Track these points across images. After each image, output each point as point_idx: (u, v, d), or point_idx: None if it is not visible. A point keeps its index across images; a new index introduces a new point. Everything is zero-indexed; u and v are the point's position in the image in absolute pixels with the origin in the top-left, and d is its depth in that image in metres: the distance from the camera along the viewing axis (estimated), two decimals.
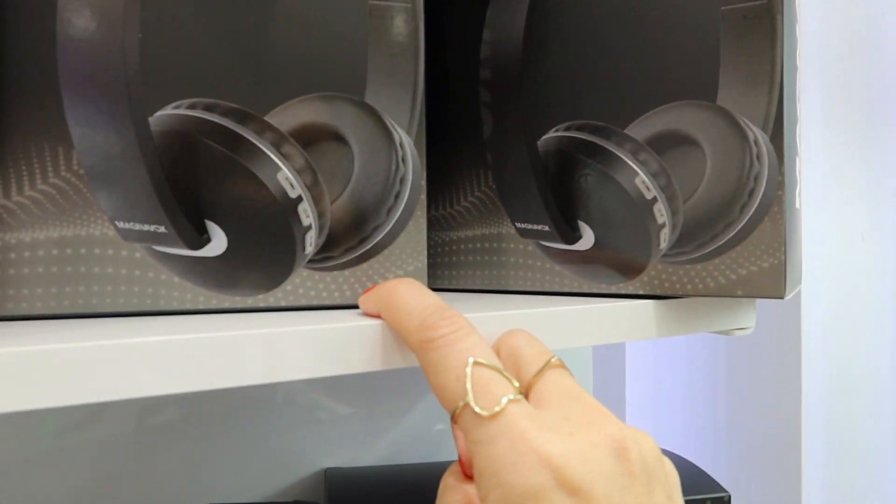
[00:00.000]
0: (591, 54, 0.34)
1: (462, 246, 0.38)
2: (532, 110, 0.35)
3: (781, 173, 0.30)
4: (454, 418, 0.24)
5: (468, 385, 0.23)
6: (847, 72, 0.56)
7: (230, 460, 0.48)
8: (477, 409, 0.23)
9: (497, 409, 0.23)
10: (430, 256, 0.39)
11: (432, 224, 0.39)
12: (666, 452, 0.26)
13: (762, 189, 0.30)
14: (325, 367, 0.25)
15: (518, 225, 0.36)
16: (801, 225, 0.37)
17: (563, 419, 0.23)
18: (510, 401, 0.23)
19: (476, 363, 0.24)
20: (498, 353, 0.27)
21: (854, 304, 0.56)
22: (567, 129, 0.34)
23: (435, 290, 0.39)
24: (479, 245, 0.37)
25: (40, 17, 0.26)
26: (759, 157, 0.30)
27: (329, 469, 0.49)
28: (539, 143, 0.35)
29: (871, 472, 0.58)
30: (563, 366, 0.26)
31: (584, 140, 0.34)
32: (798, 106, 0.34)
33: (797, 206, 0.34)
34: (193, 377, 0.24)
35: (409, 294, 0.26)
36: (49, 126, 0.27)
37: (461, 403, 0.23)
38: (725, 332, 0.36)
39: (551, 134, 0.35)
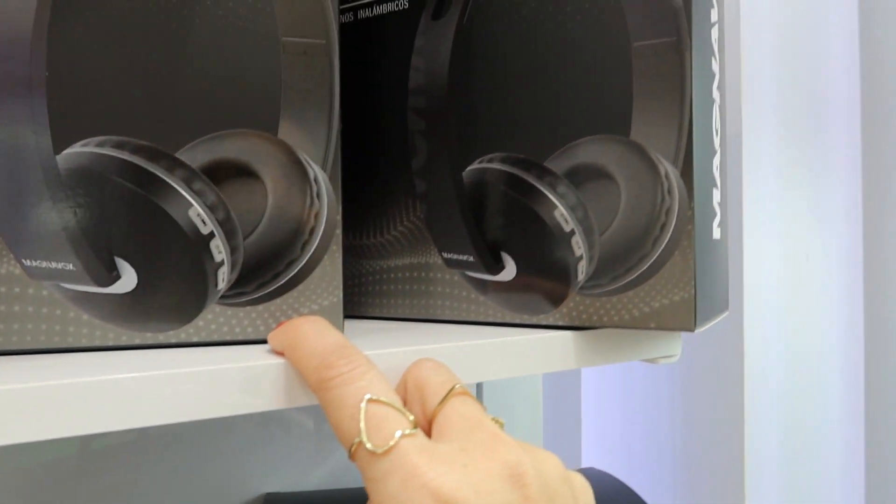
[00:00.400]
0: (512, 88, 0.34)
1: (392, 275, 0.38)
2: (458, 141, 0.35)
3: (691, 207, 0.30)
4: (350, 456, 0.24)
5: (361, 423, 0.23)
6: (793, 101, 0.57)
7: (168, 485, 0.48)
8: (369, 447, 0.23)
9: (390, 444, 0.23)
10: (361, 285, 0.39)
11: (364, 253, 0.39)
12: (590, 471, 0.26)
13: (673, 223, 0.31)
14: (226, 407, 0.25)
15: (444, 255, 0.36)
16: (725, 253, 0.37)
17: (459, 450, 0.24)
18: (403, 435, 0.23)
19: (370, 400, 0.24)
20: (405, 386, 0.27)
21: (799, 323, 0.57)
22: (490, 160, 0.35)
23: (365, 318, 0.39)
24: (407, 274, 0.37)
25: None
26: (669, 192, 0.30)
27: (269, 494, 0.48)
28: (464, 173, 0.35)
29: (816, 489, 0.59)
30: (465, 393, 0.26)
31: (506, 172, 0.34)
32: (716, 138, 0.34)
33: (716, 237, 0.34)
34: (95, 419, 0.24)
35: (312, 333, 0.26)
36: None
37: (356, 441, 0.23)
38: (651, 361, 0.37)
39: (475, 165, 0.35)
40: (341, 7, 0.39)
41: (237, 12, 0.29)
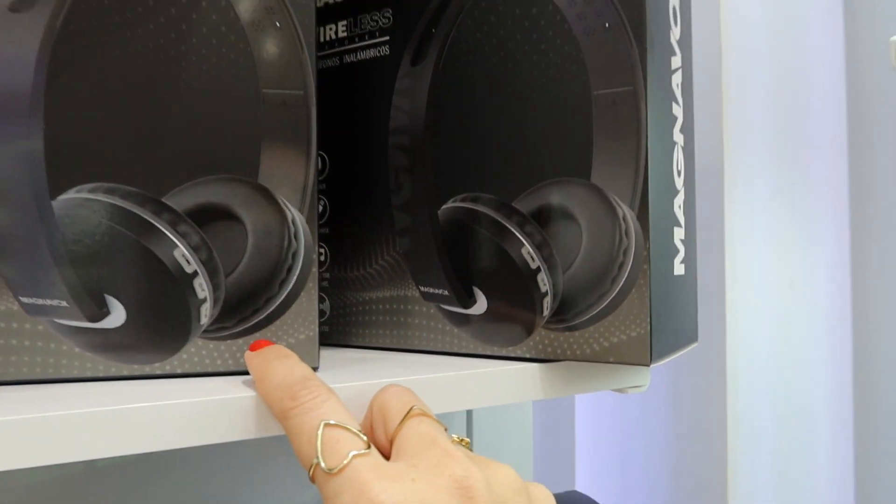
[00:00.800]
0: (483, 131, 0.36)
1: (373, 306, 0.40)
2: (434, 180, 0.37)
3: (647, 248, 0.32)
4: (310, 479, 0.26)
5: (318, 446, 0.25)
6: (778, 125, 0.58)
7: (174, 500, 0.50)
8: (324, 466, 0.25)
9: (343, 463, 0.25)
10: (346, 315, 0.41)
11: (348, 285, 0.41)
12: (572, 494, 0.27)
13: (630, 263, 0.32)
14: (201, 436, 0.27)
15: (421, 289, 0.38)
16: (692, 287, 0.39)
17: (410, 466, 0.25)
18: (356, 455, 0.25)
19: (327, 425, 0.26)
20: (371, 411, 0.29)
21: (786, 348, 0.58)
22: (464, 199, 0.36)
23: (349, 346, 0.41)
24: (388, 306, 0.39)
25: None
26: (627, 233, 0.32)
27: None
28: (440, 211, 0.37)
29: None
30: (423, 413, 0.27)
31: (478, 211, 0.36)
32: (679, 179, 0.36)
33: (678, 272, 0.36)
34: (83, 447, 0.26)
35: (279, 367, 0.28)
36: None
37: (313, 462, 0.25)
38: (619, 391, 0.38)
39: (450, 204, 0.37)
40: (327, 52, 0.41)
41: (220, 67, 0.32)
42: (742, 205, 0.56)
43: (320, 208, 0.42)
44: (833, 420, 0.60)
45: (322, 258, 0.41)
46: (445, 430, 0.28)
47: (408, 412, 0.27)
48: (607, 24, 0.33)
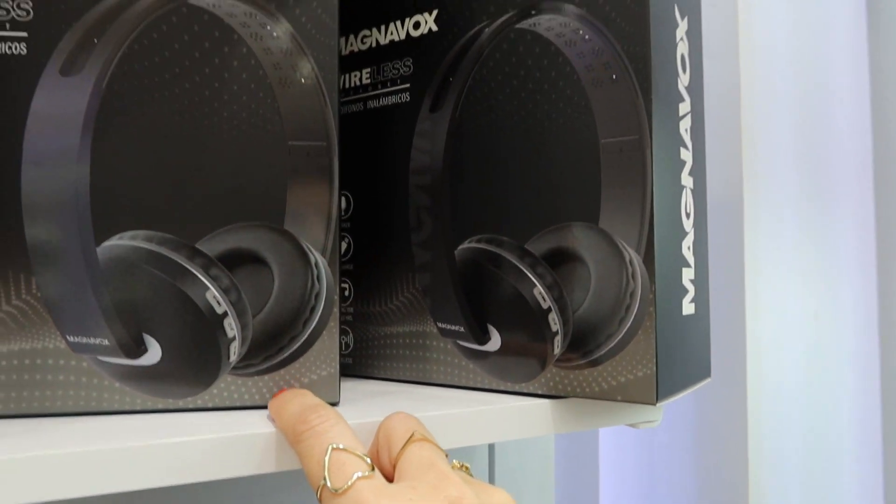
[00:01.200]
0: (497, 175, 0.38)
1: (394, 340, 0.41)
2: (451, 221, 0.39)
3: (653, 291, 0.33)
4: (318, 499, 0.28)
5: (325, 468, 0.27)
6: (802, 162, 0.59)
7: None
8: (330, 487, 0.27)
9: (348, 484, 0.26)
10: (368, 348, 0.43)
11: (371, 319, 0.43)
12: None
13: (637, 305, 0.33)
14: (224, 470, 0.29)
15: (439, 325, 0.39)
16: (704, 325, 0.40)
17: (409, 488, 0.27)
18: (360, 477, 0.27)
19: (335, 449, 0.27)
20: (377, 437, 0.31)
21: (810, 381, 0.57)
22: (479, 241, 0.38)
23: (371, 378, 0.43)
24: (407, 341, 0.41)
25: (4, 170, 0.32)
26: (633, 276, 0.33)
27: None
28: (457, 251, 0.39)
29: None
30: (424, 439, 0.29)
31: (492, 252, 0.37)
32: (688, 221, 0.37)
33: (688, 312, 0.37)
34: (117, 480, 0.28)
35: (294, 399, 0.31)
36: (13, 256, 0.32)
37: (321, 483, 0.27)
38: (633, 426, 0.39)
39: (466, 244, 0.39)
40: (351, 98, 0.44)
41: (249, 121, 0.34)
42: (765, 236, 0.56)
43: (344, 246, 0.44)
44: (861, 453, 0.59)
45: (346, 293, 0.44)
46: (446, 455, 0.29)
47: (410, 437, 0.29)
48: (614, 77, 0.34)
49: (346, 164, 0.44)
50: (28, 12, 0.33)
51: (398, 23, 0.42)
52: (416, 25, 0.41)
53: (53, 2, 0.33)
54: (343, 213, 0.44)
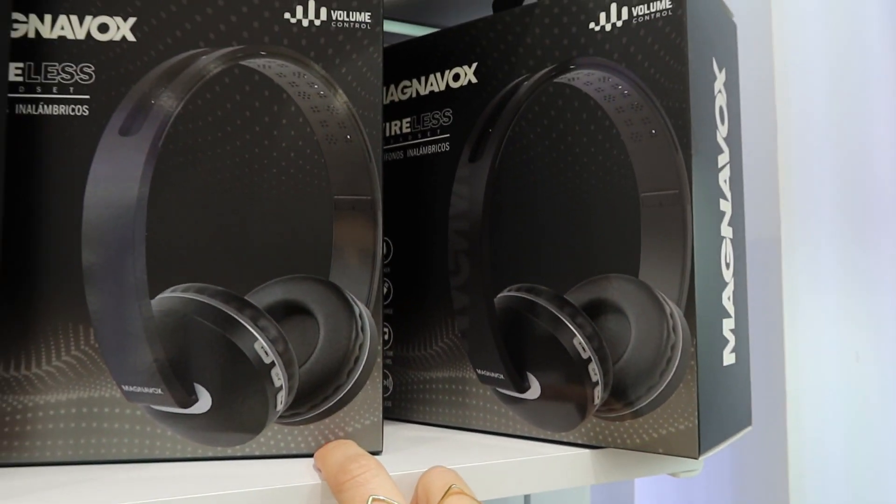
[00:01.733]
0: (536, 225, 0.38)
1: (433, 385, 0.42)
2: (490, 269, 0.40)
3: (694, 345, 0.33)
4: None
5: None
6: (841, 201, 0.58)
7: None
8: None
9: None
10: (408, 392, 0.44)
11: (411, 364, 0.43)
12: None
13: (678, 358, 0.33)
14: None
15: (478, 371, 0.40)
16: (745, 373, 0.39)
17: None
18: None
19: (375, 499, 0.28)
20: (416, 489, 0.31)
21: (851, 425, 0.56)
22: (518, 290, 0.39)
23: (411, 422, 0.43)
24: (446, 386, 0.41)
25: (66, 225, 0.33)
26: (674, 329, 0.34)
27: None
28: (496, 299, 0.39)
29: None
30: (461, 492, 0.30)
31: (533, 302, 0.38)
32: (727, 271, 0.37)
33: (728, 362, 0.37)
34: None
35: (338, 449, 0.31)
36: (71, 308, 0.33)
37: None
38: (673, 475, 0.39)
39: (505, 292, 0.39)
40: (392, 146, 0.45)
41: (297, 177, 0.35)
42: (803, 276, 0.56)
43: (385, 290, 0.45)
44: None
45: (386, 337, 0.44)
46: None
47: (448, 490, 0.29)
48: (653, 131, 0.35)
49: (387, 210, 0.45)
50: (90, 76, 0.34)
51: (438, 74, 0.43)
52: (456, 77, 0.42)
53: (114, 66, 0.34)
54: (384, 259, 0.45)
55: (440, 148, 0.42)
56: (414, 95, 0.44)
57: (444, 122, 0.42)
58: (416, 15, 0.51)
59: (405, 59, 0.45)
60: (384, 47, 0.46)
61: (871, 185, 0.60)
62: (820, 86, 0.60)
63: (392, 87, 0.45)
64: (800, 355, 0.54)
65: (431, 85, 0.43)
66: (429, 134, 0.43)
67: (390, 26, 0.51)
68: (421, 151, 0.43)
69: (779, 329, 0.53)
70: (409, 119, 0.44)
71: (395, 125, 0.45)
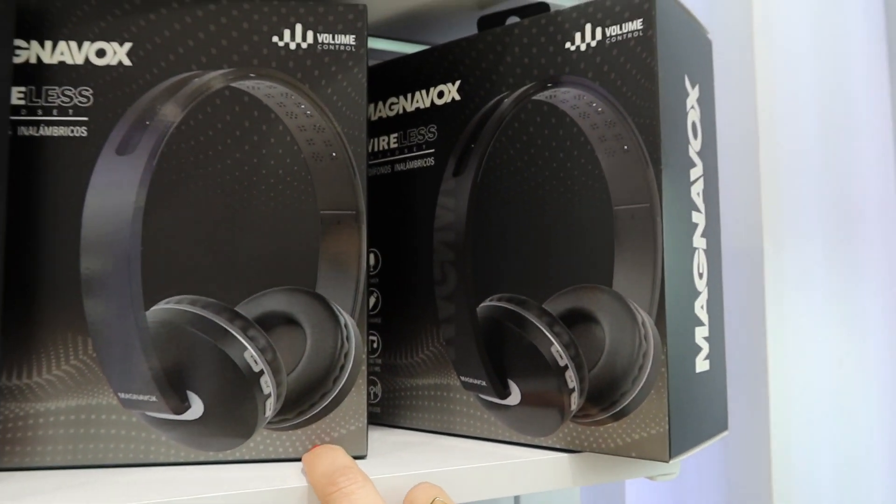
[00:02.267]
0: (516, 237, 0.40)
1: (419, 392, 0.44)
2: (473, 278, 0.41)
3: (665, 353, 0.35)
4: None
5: None
6: (826, 208, 0.59)
7: None
8: None
9: None
10: (395, 399, 0.45)
11: (398, 371, 0.45)
12: None
13: (650, 365, 0.35)
14: None
15: (462, 378, 0.41)
16: (720, 380, 0.41)
17: None
18: None
19: None
20: (404, 502, 0.33)
21: (835, 426, 0.57)
22: (500, 299, 0.40)
23: (398, 427, 0.45)
24: (432, 392, 0.43)
25: (65, 240, 0.35)
26: (646, 338, 0.35)
27: None
28: (479, 308, 0.41)
29: None
30: None
31: (513, 311, 0.39)
32: (700, 280, 0.38)
33: (702, 369, 0.38)
34: None
35: (325, 457, 0.33)
36: (71, 320, 0.35)
37: None
38: (651, 478, 0.40)
39: (487, 302, 0.41)
40: (380, 161, 0.47)
41: (285, 193, 0.37)
42: (787, 281, 0.57)
43: (373, 300, 0.46)
44: (894, 500, 0.59)
45: (375, 346, 0.46)
46: None
47: (432, 502, 0.31)
48: (626, 147, 0.36)
49: (375, 222, 0.46)
50: (89, 99, 0.36)
51: (423, 91, 0.45)
52: (441, 94, 0.44)
53: (111, 89, 0.36)
54: (372, 269, 0.46)
55: (425, 163, 0.44)
56: (400, 112, 0.46)
57: (429, 137, 0.44)
58: (403, 32, 0.52)
59: (392, 77, 0.46)
60: (372, 65, 0.47)
61: (855, 188, 0.61)
62: (803, 90, 0.61)
63: (380, 103, 0.47)
64: (784, 360, 0.55)
65: (417, 102, 0.45)
66: (415, 149, 0.45)
67: (378, 43, 0.53)
68: (407, 166, 0.45)
69: (762, 334, 0.55)
70: (396, 134, 0.46)
71: (383, 140, 0.47)
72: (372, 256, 0.46)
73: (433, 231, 0.43)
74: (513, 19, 0.46)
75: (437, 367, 0.43)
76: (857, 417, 0.58)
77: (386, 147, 0.46)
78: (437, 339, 0.43)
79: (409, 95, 0.45)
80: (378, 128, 0.47)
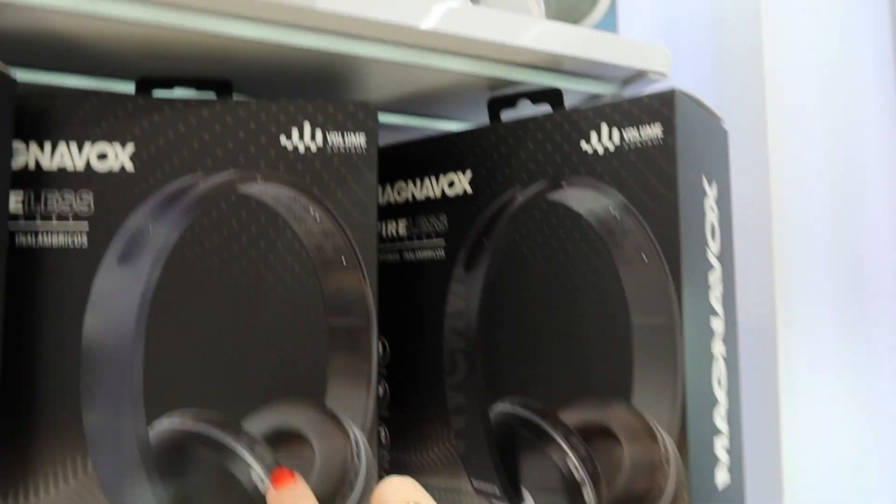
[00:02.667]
0: (531, 338, 0.39)
1: (430, 493, 0.42)
2: (485, 378, 0.40)
3: (686, 477, 0.33)
4: None
5: None
6: (838, 282, 0.58)
7: None
8: None
9: None
10: None
11: (406, 468, 0.43)
12: None
13: (671, 487, 0.34)
14: None
15: (474, 482, 0.40)
16: (737, 492, 0.40)
17: None
18: None
19: None
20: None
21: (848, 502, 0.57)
22: (513, 403, 0.39)
23: None
24: (444, 495, 0.42)
25: (65, 355, 0.34)
26: (668, 461, 0.34)
27: None
28: (491, 412, 0.40)
29: None
30: None
31: (527, 419, 0.38)
32: (719, 389, 0.37)
33: (723, 484, 0.37)
34: None
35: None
36: (70, 440, 0.34)
37: None
38: None
39: (500, 406, 0.39)
40: (388, 246, 0.45)
41: (293, 302, 0.36)
42: (801, 358, 0.56)
43: (381, 392, 0.45)
44: None
45: (383, 440, 0.44)
46: None
47: None
48: (645, 258, 0.35)
49: (382, 310, 0.45)
50: (89, 206, 0.35)
51: (433, 178, 0.43)
52: (451, 184, 0.43)
53: (112, 194, 0.35)
54: (380, 360, 0.45)
55: (436, 254, 0.43)
56: (410, 199, 0.45)
57: (439, 227, 0.43)
58: (411, 107, 0.51)
59: (401, 161, 0.45)
60: (380, 147, 0.46)
61: (868, 266, 0.60)
62: (815, 164, 0.60)
63: (388, 187, 0.46)
64: (798, 437, 0.54)
65: (426, 190, 0.44)
66: (424, 238, 0.43)
67: (386, 118, 0.52)
68: (417, 256, 0.44)
69: (775, 410, 0.54)
70: (404, 221, 0.45)
71: (391, 225, 0.45)
72: (379, 345, 0.45)
73: (443, 322, 0.42)
74: (524, 102, 0.45)
75: (448, 469, 0.41)
76: (872, 496, 0.57)
77: (395, 233, 0.45)
78: (447, 435, 0.41)
79: (419, 182, 0.44)
80: (386, 212, 0.46)
